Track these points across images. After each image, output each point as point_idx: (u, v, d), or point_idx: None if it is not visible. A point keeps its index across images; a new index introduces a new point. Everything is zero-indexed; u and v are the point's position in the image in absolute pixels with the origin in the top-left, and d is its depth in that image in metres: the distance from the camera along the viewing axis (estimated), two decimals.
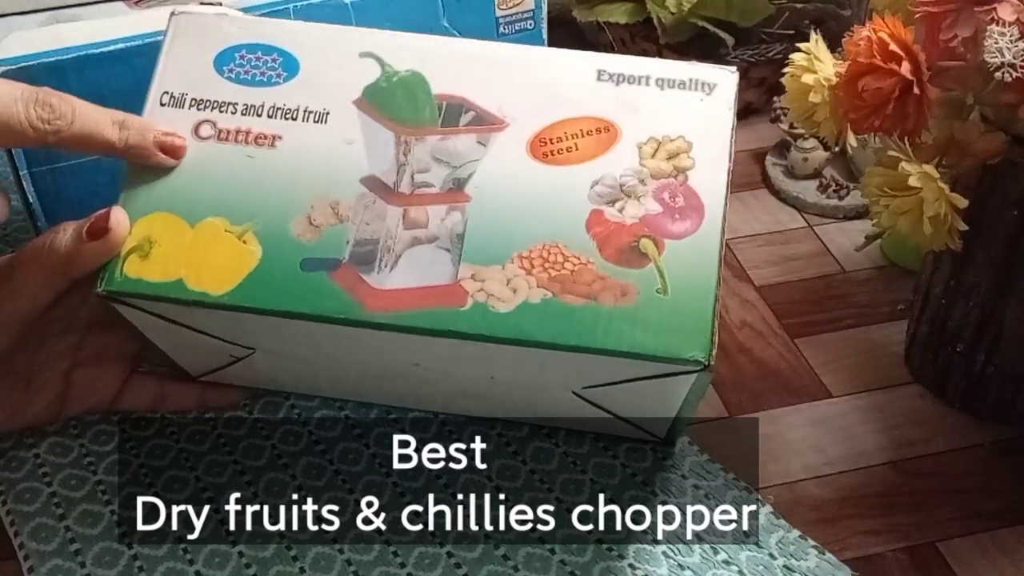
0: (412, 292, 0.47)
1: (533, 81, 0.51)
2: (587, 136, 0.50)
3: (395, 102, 0.51)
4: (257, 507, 0.55)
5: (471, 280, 0.47)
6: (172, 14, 0.53)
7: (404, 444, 0.57)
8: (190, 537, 0.53)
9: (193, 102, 0.51)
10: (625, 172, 0.49)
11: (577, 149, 0.50)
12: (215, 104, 0.51)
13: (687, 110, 0.50)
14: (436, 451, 0.57)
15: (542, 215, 0.48)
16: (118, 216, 0.48)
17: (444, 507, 0.55)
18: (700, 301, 0.47)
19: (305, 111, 0.51)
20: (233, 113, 0.51)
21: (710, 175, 0.49)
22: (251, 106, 0.51)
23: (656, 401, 0.52)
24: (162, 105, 0.51)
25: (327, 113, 0.51)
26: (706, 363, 0.46)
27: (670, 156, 0.49)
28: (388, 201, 0.49)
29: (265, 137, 0.50)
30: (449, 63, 0.51)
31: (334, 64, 0.52)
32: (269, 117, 0.51)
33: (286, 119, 0.51)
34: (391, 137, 0.50)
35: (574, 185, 0.49)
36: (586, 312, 0.47)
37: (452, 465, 0.57)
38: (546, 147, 0.50)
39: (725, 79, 0.51)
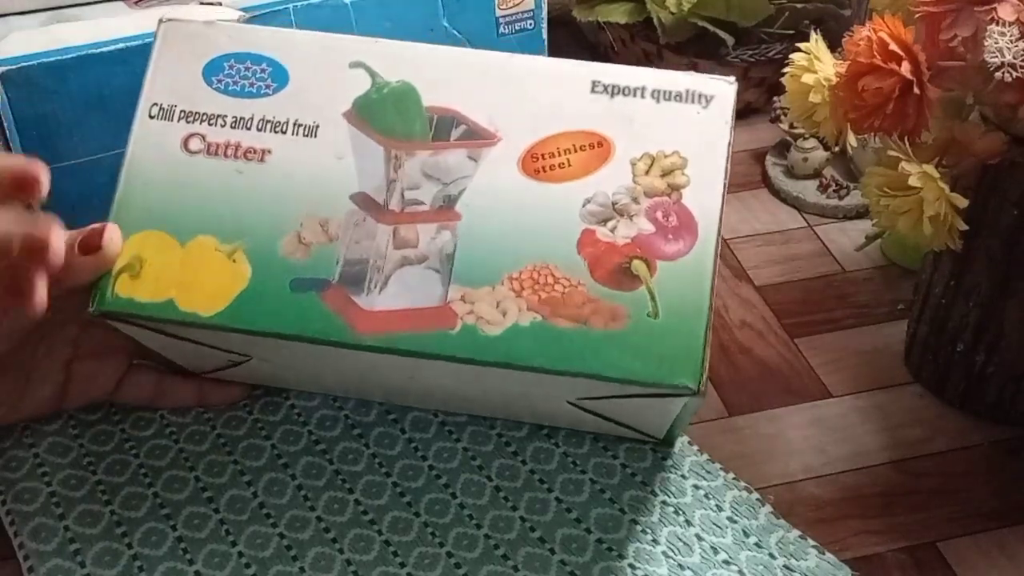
0: (402, 314, 0.47)
1: (526, 93, 0.50)
2: (580, 151, 0.49)
3: (385, 115, 0.50)
4: (256, 507, 0.55)
5: (461, 302, 0.47)
6: (160, 22, 0.52)
7: (407, 442, 0.58)
8: (190, 536, 0.53)
9: (182, 114, 0.50)
10: (618, 190, 0.48)
11: (569, 165, 0.49)
12: (204, 117, 0.50)
13: (683, 124, 0.49)
14: (436, 451, 0.58)
15: (533, 235, 0.48)
16: (111, 234, 0.48)
17: (444, 507, 0.55)
18: (691, 326, 0.46)
19: (295, 124, 0.50)
20: (223, 126, 0.50)
21: (705, 194, 0.48)
22: (240, 119, 0.50)
23: (650, 413, 0.52)
24: (151, 117, 0.51)
25: (317, 126, 0.50)
26: (696, 390, 0.45)
27: (664, 173, 0.48)
28: (378, 219, 0.49)
29: (254, 151, 0.50)
30: (440, 73, 0.50)
31: (324, 74, 0.51)
32: (259, 130, 0.50)
33: (276, 132, 0.50)
34: (381, 152, 0.50)
35: (566, 203, 0.48)
36: (576, 336, 0.46)
37: (452, 465, 0.57)
38: (538, 163, 0.49)
39: (723, 91, 0.50)
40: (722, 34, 0.83)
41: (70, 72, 0.57)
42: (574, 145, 0.49)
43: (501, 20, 0.67)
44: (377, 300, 0.47)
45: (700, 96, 0.50)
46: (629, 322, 0.46)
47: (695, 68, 0.85)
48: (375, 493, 0.55)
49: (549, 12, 0.69)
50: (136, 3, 0.67)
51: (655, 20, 0.84)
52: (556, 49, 0.69)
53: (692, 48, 0.85)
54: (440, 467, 0.57)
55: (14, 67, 0.56)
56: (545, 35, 0.68)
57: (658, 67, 0.84)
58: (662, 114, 0.50)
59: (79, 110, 0.58)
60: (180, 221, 0.49)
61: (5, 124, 0.56)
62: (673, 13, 0.84)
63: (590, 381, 0.46)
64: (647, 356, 0.46)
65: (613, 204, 0.48)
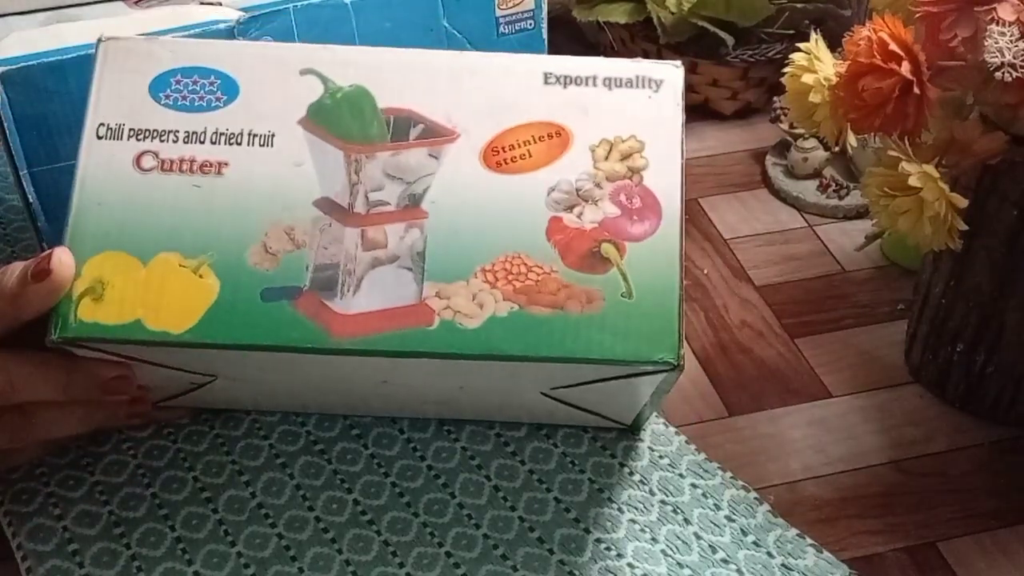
0: (378, 315, 0.47)
1: (480, 88, 0.50)
2: (539, 142, 0.49)
3: (341, 119, 0.50)
4: (255, 507, 0.55)
5: (436, 298, 0.47)
6: (100, 40, 0.51)
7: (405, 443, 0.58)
8: (189, 537, 0.53)
9: (132, 132, 0.49)
10: (580, 176, 0.49)
11: (530, 156, 0.49)
12: (155, 133, 0.49)
13: (636, 109, 0.50)
14: (434, 450, 0.57)
15: (501, 226, 0.48)
16: (60, 257, 0.47)
17: (442, 507, 0.55)
18: (665, 302, 0.47)
19: (250, 135, 0.49)
20: (175, 142, 0.49)
21: (664, 174, 0.49)
22: (193, 133, 0.49)
23: (624, 396, 0.53)
24: (99, 138, 0.49)
25: (272, 135, 0.49)
26: (675, 364, 0.46)
27: (623, 157, 0.49)
28: (344, 223, 0.48)
29: (211, 164, 0.49)
30: (393, 75, 0.50)
31: (275, 83, 0.50)
32: (213, 143, 0.49)
33: (231, 144, 0.49)
34: (340, 156, 0.49)
35: (530, 193, 0.48)
36: (554, 322, 0.47)
37: (450, 465, 0.57)
38: (499, 156, 0.49)
39: (672, 75, 0.51)
40: (722, 34, 0.83)
41: (70, 72, 0.56)
42: (533, 136, 0.49)
43: (501, 20, 0.67)
44: (352, 303, 0.47)
45: (650, 81, 0.51)
46: (604, 304, 0.47)
47: (695, 68, 0.86)
48: (374, 493, 0.55)
49: (549, 12, 0.68)
50: (136, 3, 0.67)
51: (655, 20, 0.84)
52: (556, 49, 0.69)
53: (692, 48, 0.85)
54: (439, 467, 0.57)
55: (14, 67, 0.56)
56: (545, 35, 0.68)
57: None
58: (615, 100, 0.50)
59: (79, 110, 0.57)
60: (140, 240, 0.48)
61: (5, 124, 0.56)
62: (673, 13, 0.84)
63: (571, 366, 0.47)
64: (626, 335, 0.46)
65: (577, 191, 0.49)
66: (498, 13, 0.66)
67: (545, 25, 0.68)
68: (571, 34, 0.95)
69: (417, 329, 0.47)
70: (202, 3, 0.62)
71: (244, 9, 0.60)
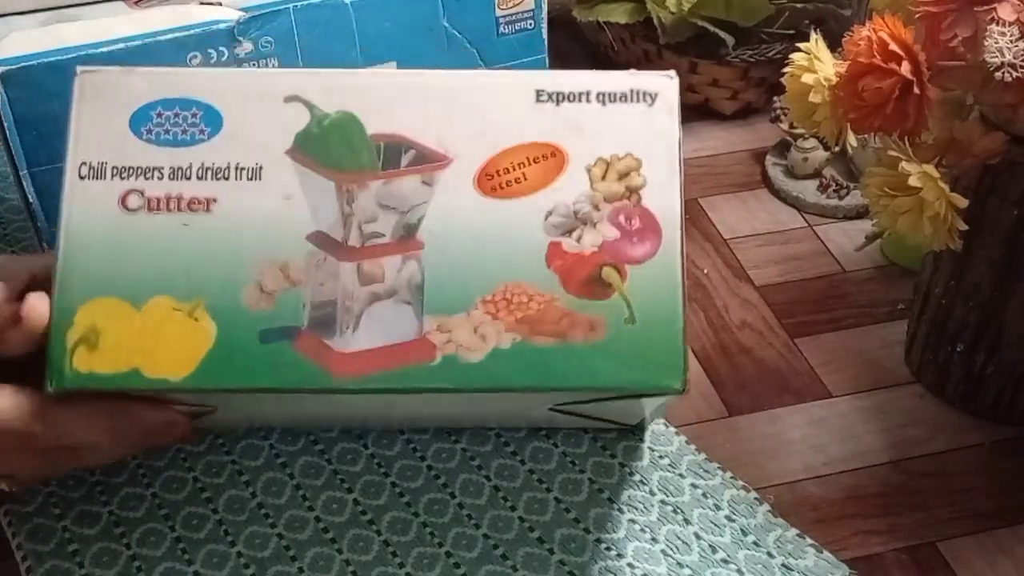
0: (378, 352, 0.46)
1: (471, 110, 0.48)
2: (534, 164, 0.48)
3: (330, 148, 0.48)
4: (255, 507, 0.55)
5: (437, 332, 0.46)
6: (76, 74, 0.49)
7: (405, 443, 0.58)
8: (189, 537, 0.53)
9: (115, 171, 0.47)
10: (578, 198, 0.47)
11: (526, 179, 0.48)
12: (139, 171, 0.47)
13: (632, 124, 0.49)
14: (434, 451, 0.58)
15: (500, 254, 0.47)
16: (33, 304, 0.45)
17: (442, 507, 0.55)
18: (668, 326, 0.46)
19: (237, 168, 0.48)
20: (160, 179, 0.47)
21: (663, 192, 0.48)
22: (178, 169, 0.47)
23: (628, 409, 0.53)
24: (81, 178, 0.47)
25: (260, 168, 0.48)
26: (681, 389, 0.45)
27: (621, 176, 0.48)
28: (339, 257, 0.47)
29: (199, 201, 0.47)
30: (380, 98, 0.48)
31: (259, 113, 0.48)
32: (199, 179, 0.47)
33: (218, 179, 0.48)
34: (331, 187, 0.48)
35: (528, 218, 0.47)
36: (558, 352, 0.46)
37: (450, 465, 0.57)
38: (494, 180, 0.48)
39: (666, 87, 0.49)
40: (722, 34, 0.83)
41: (70, 72, 0.56)
42: (528, 158, 0.48)
43: (501, 20, 0.67)
44: (351, 341, 0.46)
45: (644, 95, 0.49)
46: (608, 331, 0.46)
47: (695, 68, 0.86)
48: (374, 493, 0.55)
49: (549, 12, 0.69)
50: (136, 3, 0.67)
51: (655, 20, 0.84)
52: (556, 49, 0.69)
53: (692, 48, 0.85)
54: (439, 467, 0.57)
55: (14, 67, 0.56)
56: (545, 35, 0.68)
57: (658, 67, 0.85)
58: (610, 117, 0.49)
59: None
60: (131, 284, 0.46)
61: (5, 124, 0.56)
62: (673, 13, 0.84)
63: (575, 393, 0.46)
64: (630, 362, 0.46)
65: (575, 213, 0.47)
66: (498, 13, 0.66)
67: (545, 25, 0.68)
68: (571, 34, 0.95)
69: (419, 365, 0.46)
70: (202, 3, 0.62)
71: (244, 9, 0.60)
